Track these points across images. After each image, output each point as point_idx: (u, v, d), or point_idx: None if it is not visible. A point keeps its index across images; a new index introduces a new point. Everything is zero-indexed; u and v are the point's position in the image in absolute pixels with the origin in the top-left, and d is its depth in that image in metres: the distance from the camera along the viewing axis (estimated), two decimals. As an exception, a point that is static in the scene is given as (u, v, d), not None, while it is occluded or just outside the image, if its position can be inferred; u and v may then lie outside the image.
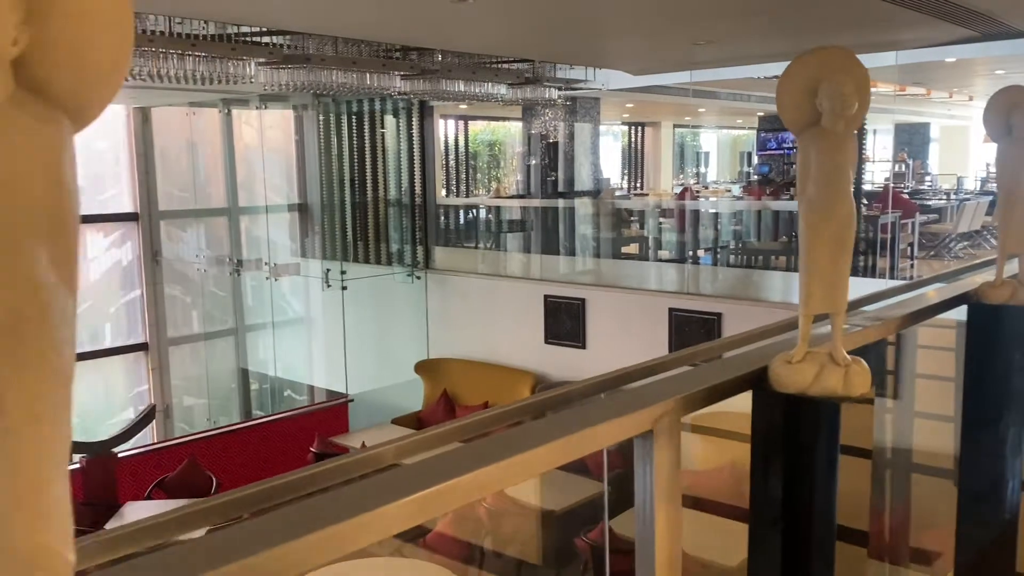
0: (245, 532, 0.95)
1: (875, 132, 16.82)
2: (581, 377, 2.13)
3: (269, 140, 11.05)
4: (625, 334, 8.09)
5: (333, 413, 9.14)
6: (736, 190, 14.96)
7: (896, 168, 15.19)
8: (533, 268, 9.78)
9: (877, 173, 14.37)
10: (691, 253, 9.44)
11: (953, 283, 2.33)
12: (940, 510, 2.56)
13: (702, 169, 18.83)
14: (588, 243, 10.01)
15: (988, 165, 15.77)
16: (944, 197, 12.04)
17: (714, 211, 9.97)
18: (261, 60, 5.70)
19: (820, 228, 1.33)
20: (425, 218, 9.95)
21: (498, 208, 11.63)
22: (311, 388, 11.09)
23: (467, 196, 14.13)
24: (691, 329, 7.66)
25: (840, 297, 1.36)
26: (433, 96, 7.00)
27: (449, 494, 0.96)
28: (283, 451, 8.36)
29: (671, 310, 7.75)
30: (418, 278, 9.78)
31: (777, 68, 8.63)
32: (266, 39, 5.73)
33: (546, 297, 8.72)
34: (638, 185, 16.76)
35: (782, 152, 14.40)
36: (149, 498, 7.39)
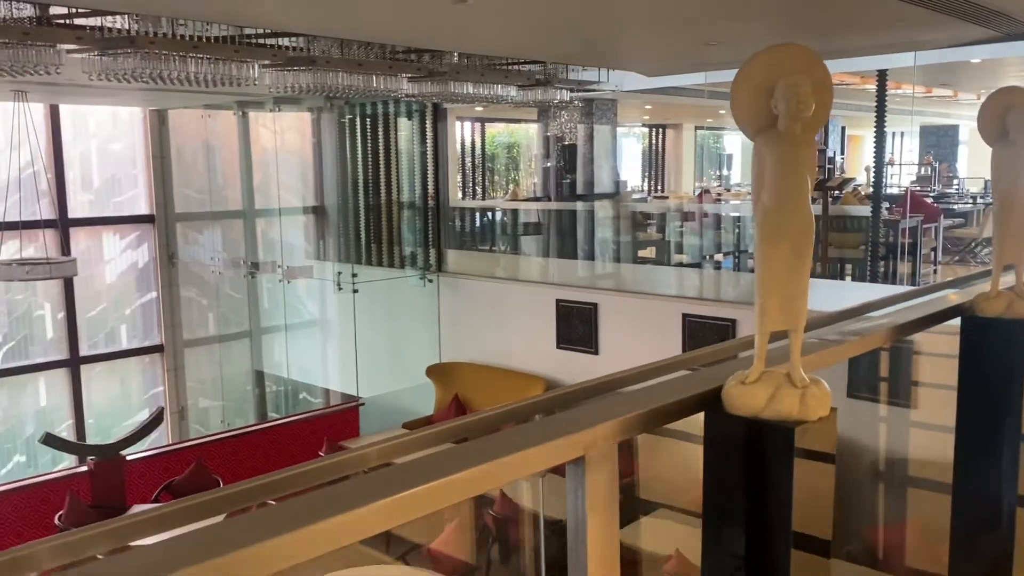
0: (209, 534, 0.95)
1: (902, 135, 16.55)
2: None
3: (286, 142, 11.06)
4: (638, 340, 7.98)
5: (344, 417, 9.10)
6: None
7: (922, 171, 14.92)
8: (546, 272, 9.69)
9: (901, 176, 14.10)
10: (706, 257, 9.30)
11: (949, 293, 2.21)
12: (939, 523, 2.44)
13: (725, 172, 18.62)
14: (603, 247, 9.90)
15: None
16: (970, 201, 11.78)
17: (734, 214, 9.82)
18: (265, 62, 5.66)
19: (776, 239, 1.23)
20: (438, 221, 9.89)
21: (514, 211, 11.55)
22: (326, 391, 11.08)
23: (484, 199, 14.06)
24: (705, 335, 7.53)
25: (798, 312, 1.26)
26: (442, 98, 6.93)
27: (335, 530, 0.88)
28: (293, 455, 8.33)
29: (685, 316, 7.63)
30: (430, 281, 9.73)
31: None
32: (271, 41, 5.70)
33: (558, 302, 8.63)
34: (659, 188, 16.60)
35: (804, 155, 14.19)
36: (156, 501, 7.39)
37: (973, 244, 9.85)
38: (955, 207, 10.71)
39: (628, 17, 5.29)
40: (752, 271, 7.29)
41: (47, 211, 10.25)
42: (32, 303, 10.63)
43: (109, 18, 5.01)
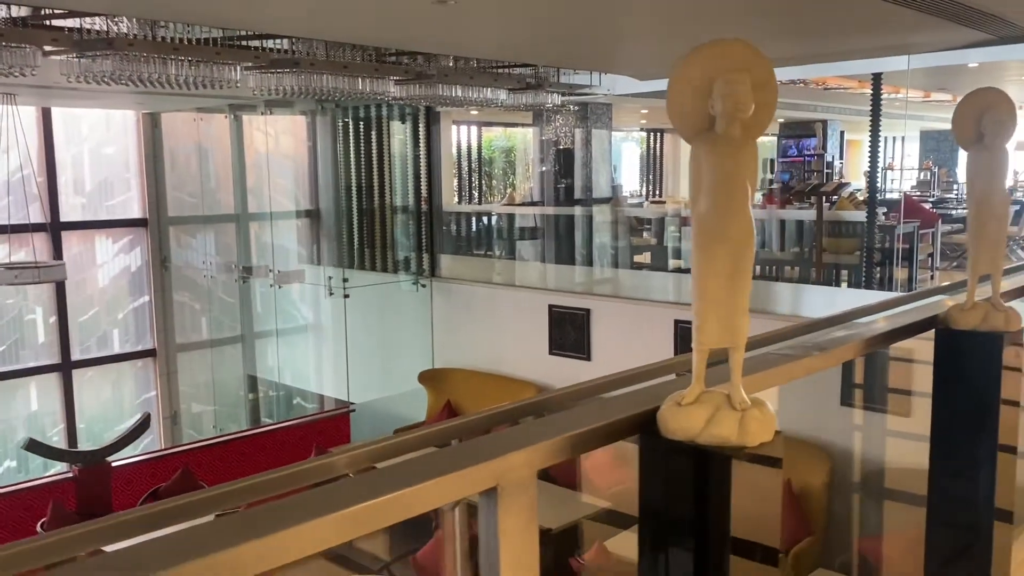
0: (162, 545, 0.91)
1: (902, 139, 16.45)
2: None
3: (281, 146, 10.99)
4: (630, 346, 7.89)
5: (334, 423, 9.01)
6: (758, 198, 14.67)
7: (921, 176, 14.81)
8: (539, 277, 9.60)
9: (901, 181, 14.02)
10: (683, 264, 9.22)
11: (924, 304, 2.12)
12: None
13: (723, 176, 18.52)
14: (597, 252, 9.82)
15: (1016, 173, 15.34)
16: (969, 206, 11.66)
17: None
18: (248, 64, 5.58)
19: (713, 250, 1.14)
20: (431, 225, 9.81)
21: (509, 216, 11.47)
22: (321, 397, 11.00)
23: (480, 203, 13.99)
24: (697, 341, 7.43)
25: (738, 328, 1.17)
26: (430, 101, 6.86)
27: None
28: (282, 461, 8.17)
29: (677, 322, 7.54)
30: (423, 286, 9.64)
31: (788, 72, 8.36)
32: (256, 43, 5.63)
33: (551, 307, 8.54)
34: (658, 192, 16.52)
35: (802, 159, 14.10)
36: (142, 508, 7.31)
37: (971, 250, 9.71)
38: (953, 212, 10.60)
39: (618, 20, 5.21)
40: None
41: (39, 215, 10.19)
42: (23, 307, 10.57)
43: (88, 19, 4.94)
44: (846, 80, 11.07)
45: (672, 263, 9.99)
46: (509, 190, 15.41)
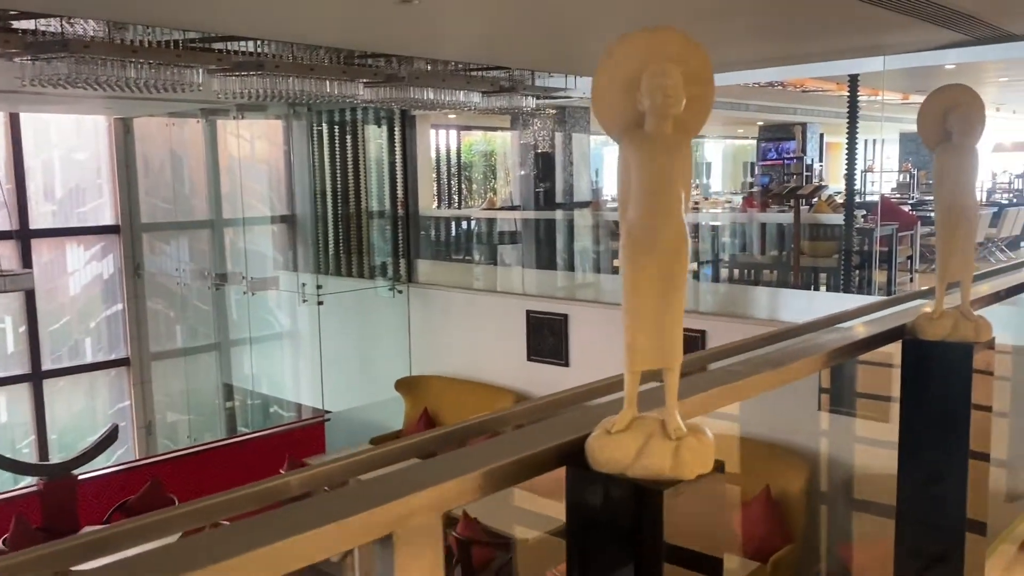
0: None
1: (882, 142, 16.46)
2: None
3: (257, 151, 10.83)
4: (609, 351, 7.73)
5: (309, 432, 8.86)
6: (738, 201, 14.64)
7: (901, 178, 14.79)
8: (517, 282, 9.49)
9: (881, 184, 14.01)
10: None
11: (891, 312, 2.02)
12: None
13: (704, 180, 18.48)
14: (575, 256, 9.72)
15: (994, 175, 15.39)
16: (948, 208, 11.66)
17: (714, 223, 9.66)
18: (211, 67, 5.45)
19: (642, 262, 1.03)
20: (408, 230, 9.68)
21: (488, 220, 11.35)
22: (298, 405, 10.83)
23: (460, 207, 13.87)
24: (674, 347, 7.34)
25: (672, 347, 1.05)
26: (402, 104, 6.74)
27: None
28: (254, 472, 8.04)
29: (654, 327, 7.44)
30: (400, 292, 9.51)
31: (766, 75, 8.30)
32: (219, 46, 5.50)
33: (529, 313, 8.43)
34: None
35: (782, 162, 14.06)
36: (109, 522, 7.13)
37: (951, 252, 9.68)
38: (932, 214, 10.55)
39: (591, 21, 5.11)
40: (719, 280, 7.08)
41: (7, 223, 9.99)
42: (-8, 316, 10.36)
43: (44, 21, 4.80)
44: (824, 82, 11.04)
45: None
46: (489, 194, 15.30)
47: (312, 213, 10.11)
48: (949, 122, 1.76)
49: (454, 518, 6.03)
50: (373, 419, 9.24)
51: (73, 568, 0.99)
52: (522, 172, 11.33)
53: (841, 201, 9.66)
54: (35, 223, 10.41)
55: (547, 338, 8.32)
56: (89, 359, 11.15)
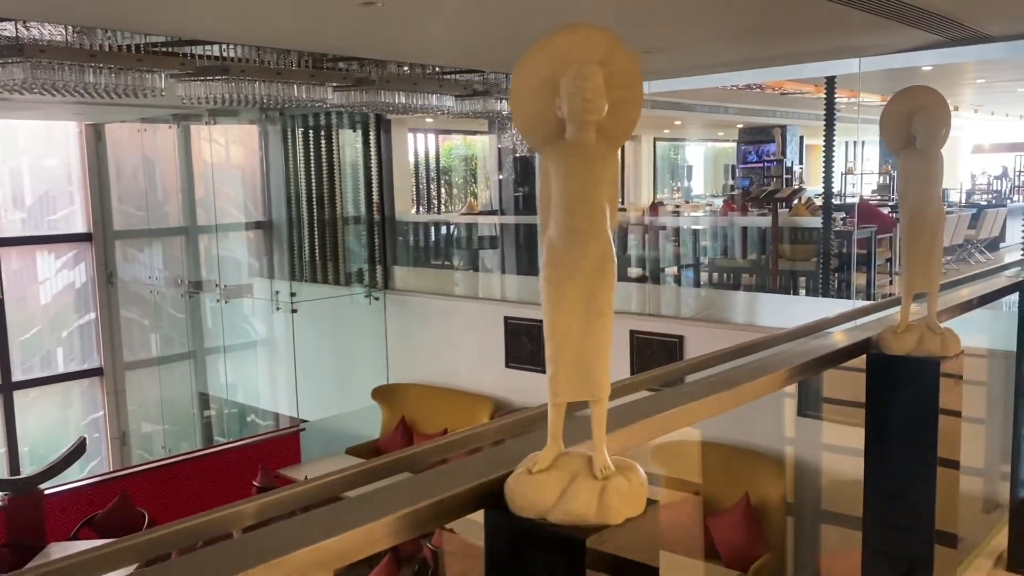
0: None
1: (863, 144, 16.50)
2: (539, 403, 1.73)
3: (232, 156, 10.68)
4: (586, 357, 7.68)
5: (284, 443, 8.71)
6: (719, 204, 14.60)
7: (881, 180, 14.79)
8: (495, 288, 9.38)
9: (862, 186, 14.01)
10: (662, 270, 9.06)
11: (861, 324, 1.93)
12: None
13: (685, 183, 18.45)
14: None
15: (973, 176, 15.42)
16: (927, 210, 11.66)
17: (682, 227, 9.58)
18: (173, 72, 5.32)
19: (564, 285, 0.92)
20: (384, 236, 9.56)
21: (467, 225, 11.24)
22: (276, 415, 10.68)
23: (440, 212, 13.75)
24: (652, 352, 7.27)
25: (598, 378, 0.95)
26: (372, 108, 6.62)
27: None
28: (227, 485, 7.92)
29: (632, 332, 7.36)
30: (376, 299, 9.39)
31: (744, 77, 8.24)
32: (183, 50, 5.37)
33: (506, 319, 8.33)
34: (620, 200, 16.38)
35: (762, 165, 14.02)
36: (76, 538, 6.97)
37: (930, 254, 9.66)
38: (911, 217, 10.52)
39: (562, 22, 5.03)
40: (699, 285, 6.96)
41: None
42: (-40, 327, 10.16)
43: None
44: (803, 85, 11.01)
45: (631, 271, 9.83)
46: (470, 199, 15.20)
47: (287, 219, 9.97)
48: (913, 125, 1.68)
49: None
50: (350, 428, 9.10)
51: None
52: (501, 176, 11.23)
53: (820, 204, 9.63)
54: (3, 231, 10.23)
55: (525, 345, 8.23)
56: (61, 369, 10.97)
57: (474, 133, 14.30)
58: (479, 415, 8.29)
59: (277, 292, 9.09)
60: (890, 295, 7.70)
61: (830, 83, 7.26)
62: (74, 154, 10.74)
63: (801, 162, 14.78)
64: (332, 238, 9.71)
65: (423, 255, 10.67)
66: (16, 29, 4.65)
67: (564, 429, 0.98)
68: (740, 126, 14.71)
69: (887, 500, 1.85)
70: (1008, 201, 13.51)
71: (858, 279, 7.84)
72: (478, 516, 1.03)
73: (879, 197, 14.23)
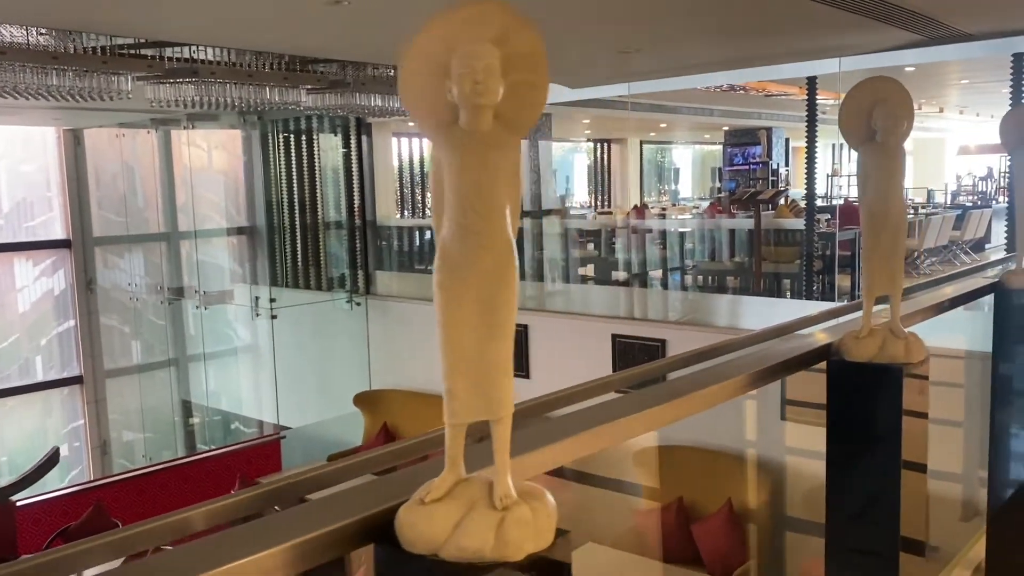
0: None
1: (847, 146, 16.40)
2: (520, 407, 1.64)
3: (215, 161, 10.56)
4: (569, 363, 7.60)
5: (264, 450, 8.58)
6: (706, 206, 14.53)
7: (867, 182, 14.70)
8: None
9: (848, 188, 13.98)
10: (625, 276, 8.98)
11: (817, 331, 1.84)
12: None
13: (672, 186, 18.38)
14: (536, 265, 9.53)
15: (959, 177, 15.39)
16: (912, 212, 11.60)
17: (667, 230, 9.50)
18: (141, 74, 5.21)
19: (459, 291, 0.81)
20: (366, 241, 9.45)
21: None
22: (260, 422, 10.55)
23: (424, 216, 13.65)
24: (635, 356, 7.18)
25: (499, 395, 0.85)
26: (348, 111, 6.53)
27: None
28: (205, 494, 7.75)
29: (615, 336, 7.28)
30: (358, 304, 9.27)
31: (728, 78, 8.16)
32: (151, 52, 5.26)
33: (488, 323, 8.23)
34: (607, 203, 16.31)
35: (748, 167, 13.97)
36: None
37: (914, 255, 9.61)
38: (896, 218, 10.46)
39: (540, 23, 4.94)
40: (685, 289, 6.85)
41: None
42: (-65, 335, 10.03)
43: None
44: (788, 87, 10.95)
45: (616, 275, 9.75)
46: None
47: (267, 224, 9.86)
48: (874, 118, 1.59)
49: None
50: (331, 435, 8.99)
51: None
52: (484, 180, 11.12)
53: (804, 205, 9.56)
54: (-21, 239, 10.10)
55: (507, 349, 8.13)
56: (40, 377, 10.82)
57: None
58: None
59: (257, 298, 8.97)
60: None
61: (811, 83, 7.20)
62: (52, 159, 10.61)
63: (787, 164, 14.73)
64: (314, 243, 9.60)
65: (406, 259, 10.57)
66: (-25, 31, 4.54)
67: (515, 446, 0.88)
68: (726, 128, 14.65)
69: (850, 507, 1.76)
70: (993, 202, 13.47)
71: (842, 281, 7.76)
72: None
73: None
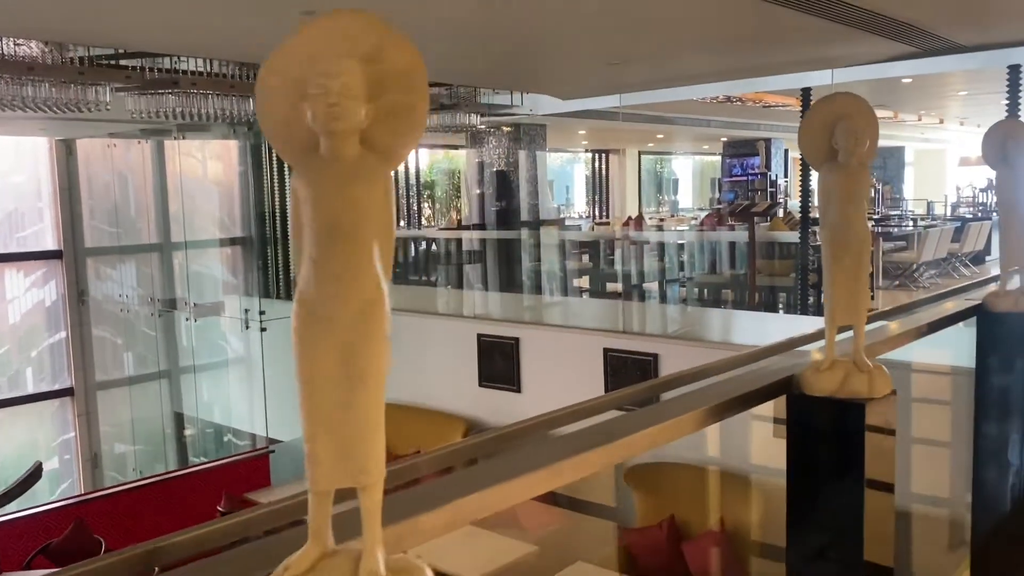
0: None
1: (850, 156, 16.32)
2: (512, 423, 1.56)
3: (210, 171, 10.49)
4: (561, 377, 7.50)
5: (252, 465, 8.47)
6: (703, 218, 14.45)
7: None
8: (467, 305, 9.19)
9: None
10: (617, 288, 8.89)
11: (778, 361, 1.74)
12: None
13: (671, 196, 18.30)
14: (529, 277, 9.44)
15: (959, 189, 15.28)
16: (911, 224, 11.48)
17: (663, 241, 9.41)
18: (119, 85, 5.14)
19: (315, 339, 0.71)
20: (357, 253, 9.36)
21: (444, 240, 11.07)
22: (253, 435, 10.44)
23: (420, 227, 13.59)
24: (626, 371, 7.07)
25: (367, 459, 0.74)
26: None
27: None
28: (191, 510, 7.67)
29: (606, 350, 7.17)
30: (349, 317, 9.18)
31: (724, 88, 8.07)
32: (133, 63, 5.19)
33: (479, 336, 8.13)
34: (605, 214, 16.24)
35: (746, 178, 13.88)
36: (30, 567, 6.71)
37: (913, 268, 9.50)
38: (893, 230, 10.37)
39: (533, 35, 4.86)
40: (682, 301, 6.75)
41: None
42: (-75, 347, 9.95)
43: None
44: (786, 98, 10.87)
45: (610, 287, 9.66)
46: (452, 213, 15.03)
47: (259, 235, 9.78)
48: (835, 136, 1.49)
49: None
50: (322, 449, 8.88)
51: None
52: (478, 191, 11.06)
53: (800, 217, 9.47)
54: (-30, 249, 10.04)
55: (498, 363, 8.03)
56: (31, 390, 10.73)
57: (456, 147, 14.16)
58: (452, 435, 8.08)
59: (247, 310, 8.88)
60: (872, 310, 7.50)
61: (806, 95, 7.11)
62: (44, 170, 10.55)
63: (786, 175, 14.64)
64: (305, 255, 9.51)
65: (400, 271, 10.49)
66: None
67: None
68: (724, 139, 14.57)
69: (811, 541, 1.65)
70: (993, 214, 13.37)
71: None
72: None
73: (865, 210, 14.06)
